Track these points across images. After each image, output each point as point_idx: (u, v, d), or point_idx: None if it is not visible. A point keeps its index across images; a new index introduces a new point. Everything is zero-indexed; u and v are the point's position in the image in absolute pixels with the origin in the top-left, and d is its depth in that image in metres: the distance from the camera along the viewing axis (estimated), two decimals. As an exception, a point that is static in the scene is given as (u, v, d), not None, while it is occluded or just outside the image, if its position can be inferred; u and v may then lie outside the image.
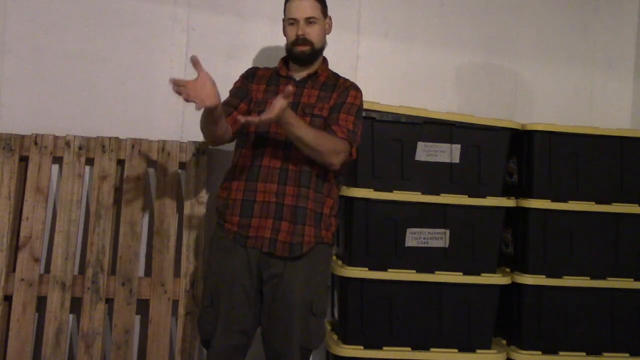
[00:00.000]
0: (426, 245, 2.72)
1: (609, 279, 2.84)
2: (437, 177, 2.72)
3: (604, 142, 2.83)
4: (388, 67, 3.11)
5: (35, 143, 2.76)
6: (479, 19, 3.18)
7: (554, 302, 2.80)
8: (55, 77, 2.87)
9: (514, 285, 2.81)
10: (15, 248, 2.74)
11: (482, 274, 2.75)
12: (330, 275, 2.82)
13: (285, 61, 2.50)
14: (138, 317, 2.85)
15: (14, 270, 2.71)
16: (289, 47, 2.42)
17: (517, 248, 2.88)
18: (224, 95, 2.34)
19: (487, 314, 2.76)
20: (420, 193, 2.70)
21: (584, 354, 2.82)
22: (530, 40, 3.22)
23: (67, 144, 2.78)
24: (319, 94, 2.41)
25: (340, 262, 2.77)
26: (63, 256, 2.72)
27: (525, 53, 3.22)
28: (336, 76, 2.50)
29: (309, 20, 2.38)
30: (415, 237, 2.71)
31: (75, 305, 2.74)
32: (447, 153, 2.72)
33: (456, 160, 2.73)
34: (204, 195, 2.82)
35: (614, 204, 2.83)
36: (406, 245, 2.70)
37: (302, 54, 2.40)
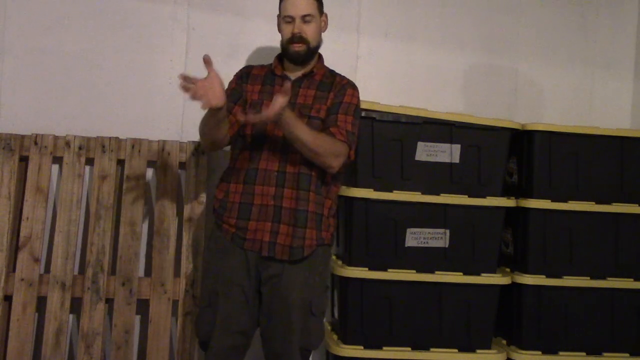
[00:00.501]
0: (426, 245, 2.72)
1: (609, 279, 2.84)
2: (437, 177, 2.72)
3: (604, 142, 2.83)
4: (388, 67, 3.10)
5: (35, 143, 2.76)
6: (479, 19, 3.18)
7: (554, 302, 2.80)
8: (55, 77, 2.87)
9: (514, 285, 2.81)
10: (15, 248, 2.74)
11: (482, 274, 2.75)
12: (330, 275, 2.82)
13: (280, 59, 2.47)
14: (138, 317, 2.85)
15: (14, 270, 2.71)
16: (285, 46, 2.39)
17: (517, 248, 2.88)
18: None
19: (487, 314, 2.76)
20: (420, 193, 2.70)
21: (584, 354, 2.82)
22: (530, 41, 3.22)
23: (67, 144, 2.78)
24: (315, 94, 2.38)
25: (340, 262, 2.77)
26: (63, 256, 2.72)
27: (525, 53, 3.22)
28: (332, 74, 2.47)
29: (305, 19, 2.35)
30: (415, 237, 2.71)
31: (75, 305, 2.74)
32: (447, 153, 2.72)
33: (456, 160, 2.73)
34: (204, 196, 2.82)
35: (614, 204, 2.83)
36: (406, 245, 2.70)
37: (297, 53, 2.37)
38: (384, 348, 2.69)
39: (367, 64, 3.08)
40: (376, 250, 2.68)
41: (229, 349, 2.35)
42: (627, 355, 2.85)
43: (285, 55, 2.42)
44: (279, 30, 2.42)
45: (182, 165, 2.84)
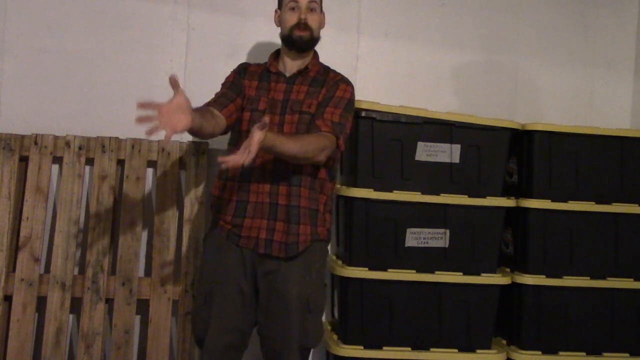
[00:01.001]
0: (426, 245, 2.72)
1: (609, 279, 2.84)
2: (437, 177, 2.72)
3: (604, 142, 2.83)
4: (388, 67, 3.10)
5: (35, 143, 2.76)
6: (479, 18, 3.18)
7: (554, 302, 2.80)
8: (55, 77, 2.87)
9: (514, 285, 2.81)
10: (15, 248, 2.74)
11: (482, 274, 2.75)
12: (330, 275, 2.82)
13: (275, 57, 2.49)
14: (138, 317, 2.85)
15: (14, 270, 2.71)
16: (288, 33, 2.39)
17: (517, 248, 2.88)
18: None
19: (487, 314, 2.76)
20: (420, 193, 2.70)
21: (584, 354, 2.82)
22: (530, 40, 3.22)
23: (67, 144, 2.78)
24: (307, 89, 2.39)
25: (340, 262, 2.77)
26: (63, 256, 2.72)
27: (525, 53, 3.22)
28: (326, 70, 2.47)
29: (310, 7, 2.38)
30: (415, 237, 2.71)
31: (75, 305, 2.74)
32: (447, 153, 2.72)
33: (456, 160, 2.73)
34: (203, 195, 2.82)
35: (614, 204, 2.83)
36: (406, 245, 2.70)
37: (301, 38, 2.37)
38: (384, 348, 2.69)
39: (367, 64, 3.08)
40: (376, 250, 2.68)
41: (224, 347, 2.34)
42: (627, 355, 2.85)
43: (287, 43, 2.42)
44: (279, 22, 2.44)
45: (182, 165, 2.84)
